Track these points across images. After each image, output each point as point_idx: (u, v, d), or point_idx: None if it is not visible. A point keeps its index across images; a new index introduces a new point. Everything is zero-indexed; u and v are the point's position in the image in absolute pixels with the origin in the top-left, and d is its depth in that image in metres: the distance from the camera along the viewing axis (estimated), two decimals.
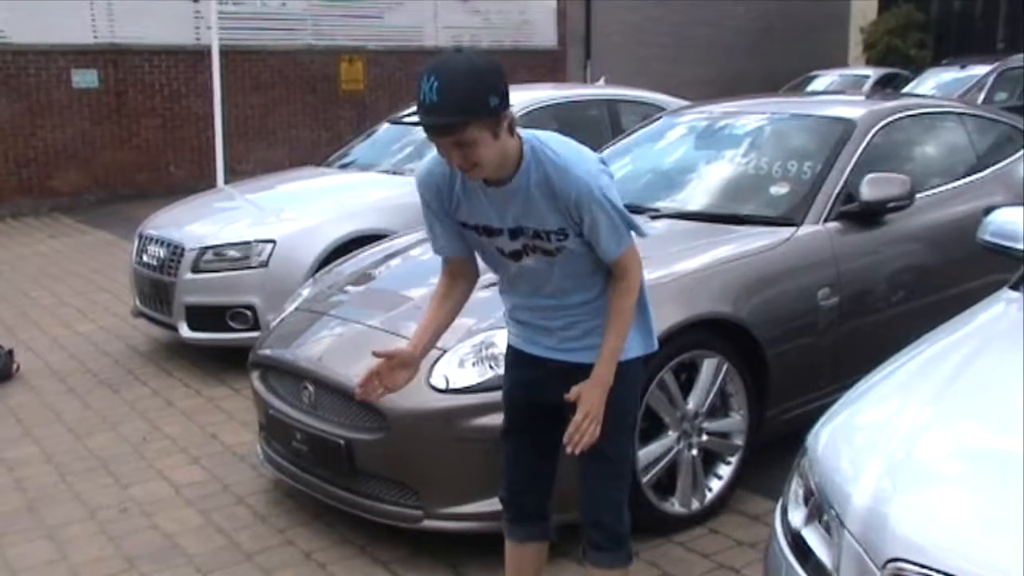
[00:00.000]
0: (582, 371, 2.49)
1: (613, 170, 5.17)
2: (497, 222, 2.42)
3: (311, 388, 3.61)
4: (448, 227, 2.52)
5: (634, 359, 2.55)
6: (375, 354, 2.53)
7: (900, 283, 4.22)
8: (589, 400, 2.43)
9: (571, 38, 18.00)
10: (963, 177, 4.75)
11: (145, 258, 5.92)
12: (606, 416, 2.48)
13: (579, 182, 2.30)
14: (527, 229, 2.40)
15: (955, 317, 2.77)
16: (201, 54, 12.60)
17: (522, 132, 2.34)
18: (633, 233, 2.44)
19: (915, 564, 1.82)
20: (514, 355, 2.68)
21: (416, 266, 4.35)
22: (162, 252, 5.77)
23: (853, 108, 4.78)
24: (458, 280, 2.62)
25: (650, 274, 3.60)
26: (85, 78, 12.14)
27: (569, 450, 2.44)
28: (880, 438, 2.22)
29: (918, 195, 4.22)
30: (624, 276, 2.44)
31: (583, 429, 2.41)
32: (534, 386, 2.62)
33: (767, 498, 3.72)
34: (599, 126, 7.06)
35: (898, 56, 19.76)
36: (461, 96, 2.14)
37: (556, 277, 2.47)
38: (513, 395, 2.70)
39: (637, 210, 4.37)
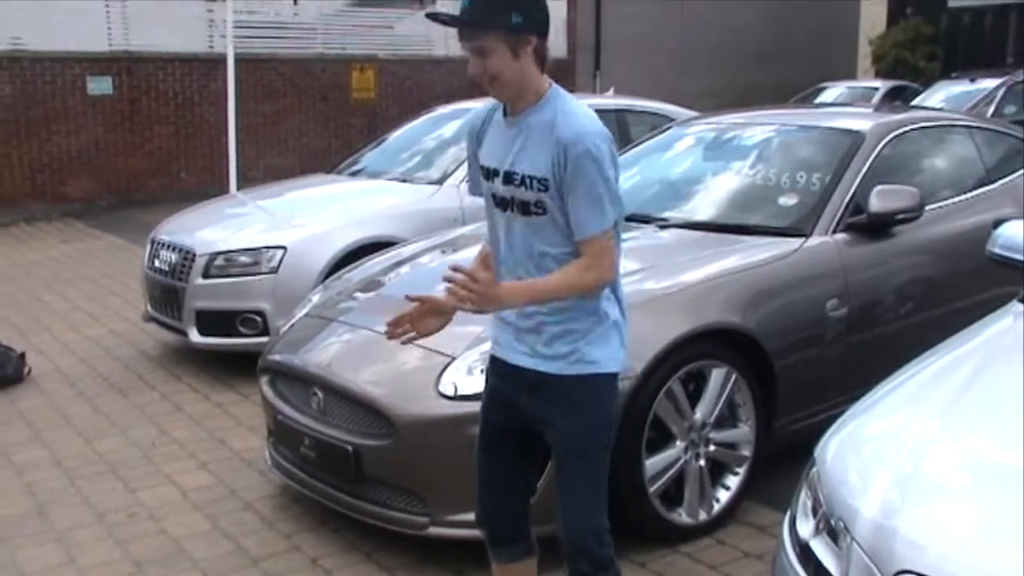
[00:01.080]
0: (548, 383, 2.44)
1: (624, 181, 5.19)
2: (497, 163, 2.45)
3: (320, 394, 3.62)
4: (478, 169, 2.59)
5: (607, 374, 2.47)
6: (408, 298, 2.52)
7: (909, 295, 4.22)
8: (490, 283, 2.28)
9: (580, 48, 18.04)
10: (972, 190, 4.75)
11: (157, 263, 5.95)
12: (579, 440, 2.45)
13: (579, 129, 2.31)
14: (516, 175, 2.40)
15: (963, 330, 2.77)
16: (214, 62, 12.69)
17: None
18: (613, 231, 2.39)
19: None
20: (492, 364, 2.64)
21: (425, 273, 4.37)
22: (174, 257, 5.80)
23: (862, 120, 4.79)
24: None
25: (659, 283, 3.66)
26: (100, 85, 12.22)
27: (440, 287, 2.34)
28: (888, 450, 2.22)
29: (927, 207, 4.23)
30: (591, 258, 2.36)
31: (467, 288, 2.24)
32: (508, 398, 2.56)
33: (774, 509, 3.72)
34: None
35: (907, 69, 19.73)
36: (488, 5, 2.31)
37: (526, 246, 2.42)
38: (488, 407, 2.64)
39: (646, 219, 4.41)
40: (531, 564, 2.74)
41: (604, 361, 2.46)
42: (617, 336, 2.50)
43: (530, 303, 2.42)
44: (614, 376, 2.50)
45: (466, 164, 2.76)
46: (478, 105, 2.63)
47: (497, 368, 2.61)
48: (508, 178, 2.42)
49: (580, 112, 2.37)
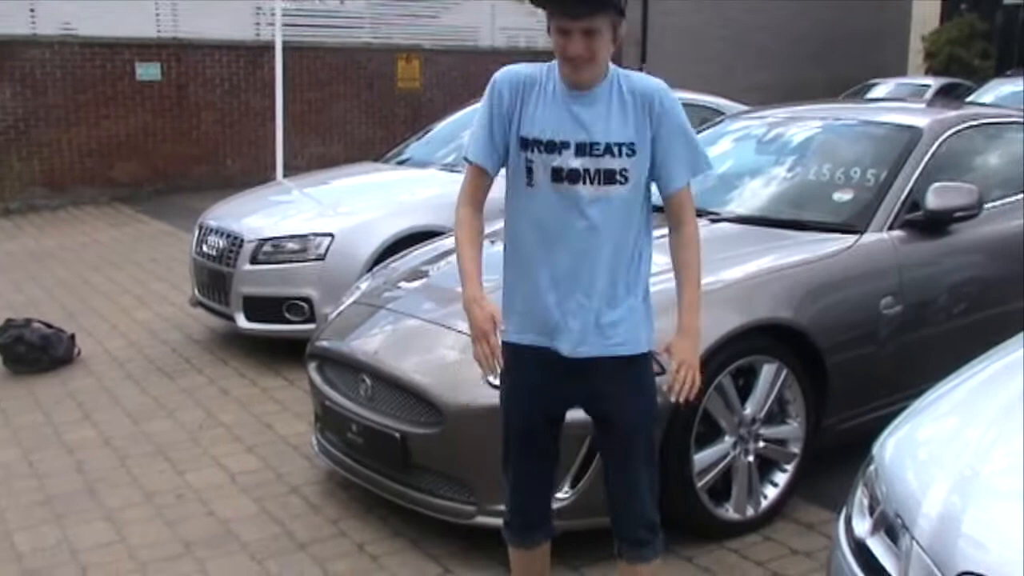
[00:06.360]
0: (612, 363, 2.49)
1: None
2: (564, 135, 2.42)
3: (368, 381, 3.63)
4: (499, 135, 2.49)
5: (645, 354, 2.56)
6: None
7: (964, 294, 4.14)
8: (682, 350, 2.48)
9: (627, 41, 17.94)
10: None
11: (205, 248, 6.00)
12: (641, 410, 2.53)
13: (656, 84, 2.47)
14: (599, 144, 2.41)
15: (1020, 333, 2.72)
16: (261, 50, 12.78)
17: None
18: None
19: None
20: (516, 354, 2.55)
21: None
22: (222, 243, 5.84)
23: (919, 116, 4.71)
24: (477, 213, 2.58)
25: (710, 277, 3.61)
26: (148, 71, 12.36)
27: (672, 399, 2.50)
28: (947, 453, 2.22)
29: (985, 206, 4.14)
30: (680, 223, 2.52)
31: (683, 379, 2.46)
32: (546, 386, 2.56)
33: (822, 507, 3.69)
34: None
35: (960, 66, 19.40)
36: None
37: (593, 228, 2.43)
38: (524, 398, 2.60)
39: (698, 213, 4.35)
40: (548, 546, 2.82)
41: (648, 341, 2.59)
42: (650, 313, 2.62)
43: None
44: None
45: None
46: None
47: (524, 358, 2.57)
48: (586, 149, 2.42)
49: (643, 75, 2.53)
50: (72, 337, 5.83)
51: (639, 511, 2.58)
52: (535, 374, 2.56)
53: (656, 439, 2.67)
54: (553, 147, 2.43)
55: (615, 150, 2.41)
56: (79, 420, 4.86)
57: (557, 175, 2.43)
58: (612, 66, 2.47)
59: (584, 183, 2.42)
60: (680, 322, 2.51)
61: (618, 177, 2.42)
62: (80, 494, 4.02)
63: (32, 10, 11.70)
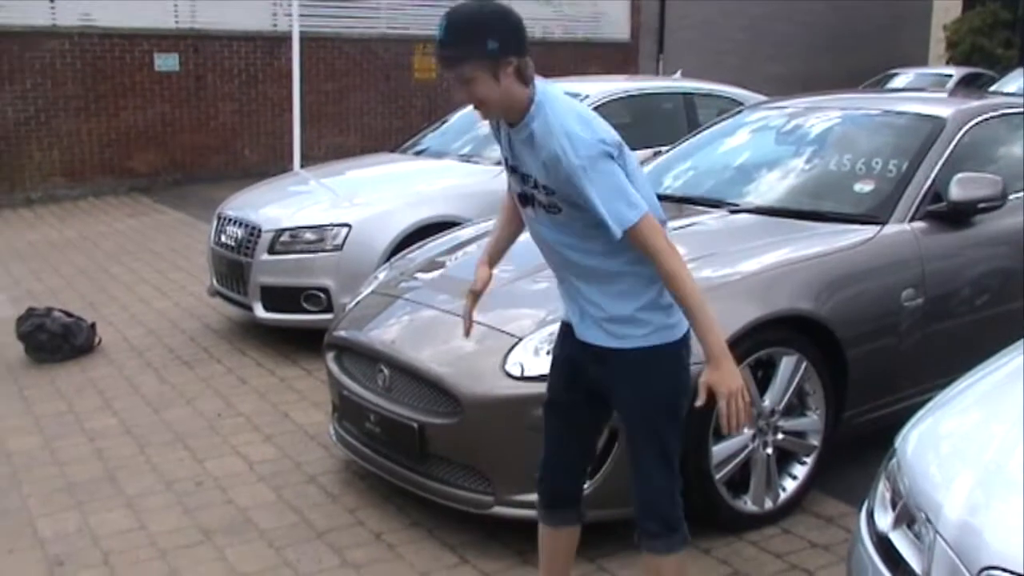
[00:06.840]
0: (614, 355, 2.51)
1: (695, 164, 5.05)
2: (513, 161, 2.51)
3: (386, 371, 3.63)
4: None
5: (658, 346, 2.50)
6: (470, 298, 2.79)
7: (987, 287, 4.10)
8: (721, 381, 2.37)
9: (644, 31, 17.85)
10: None
11: (223, 238, 6.02)
12: (641, 403, 2.52)
13: (559, 142, 2.30)
14: (530, 177, 2.45)
15: None
16: (278, 40, 12.79)
17: (539, 84, 2.39)
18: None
19: (1012, 573, 1.78)
20: (564, 327, 2.73)
21: None
22: (240, 233, 5.86)
23: (942, 106, 4.66)
24: (510, 199, 2.76)
25: (731, 268, 3.60)
26: (167, 62, 12.39)
27: (733, 434, 2.49)
28: (971, 447, 2.20)
29: (1009, 196, 4.10)
30: (652, 259, 2.37)
31: (734, 410, 2.37)
32: (576, 363, 2.64)
33: (841, 500, 3.67)
34: (675, 119, 6.99)
35: (982, 56, 19.21)
36: (461, 36, 2.31)
37: (550, 238, 2.51)
38: (557, 368, 2.74)
39: (716, 204, 4.34)
40: (575, 532, 2.84)
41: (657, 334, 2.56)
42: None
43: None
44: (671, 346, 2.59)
45: None
46: None
47: (567, 331, 2.69)
48: (524, 179, 2.49)
49: (558, 125, 2.32)
50: (92, 326, 5.87)
51: (649, 503, 2.58)
52: (567, 346, 2.68)
53: (674, 436, 2.57)
54: (508, 168, 2.55)
55: (538, 186, 2.43)
56: (100, 408, 4.89)
57: (516, 194, 2.58)
58: (537, 110, 2.35)
59: (530, 206, 2.52)
60: (704, 353, 2.41)
61: (550, 209, 2.45)
62: (101, 481, 4.05)
63: (52, 2, 11.74)
